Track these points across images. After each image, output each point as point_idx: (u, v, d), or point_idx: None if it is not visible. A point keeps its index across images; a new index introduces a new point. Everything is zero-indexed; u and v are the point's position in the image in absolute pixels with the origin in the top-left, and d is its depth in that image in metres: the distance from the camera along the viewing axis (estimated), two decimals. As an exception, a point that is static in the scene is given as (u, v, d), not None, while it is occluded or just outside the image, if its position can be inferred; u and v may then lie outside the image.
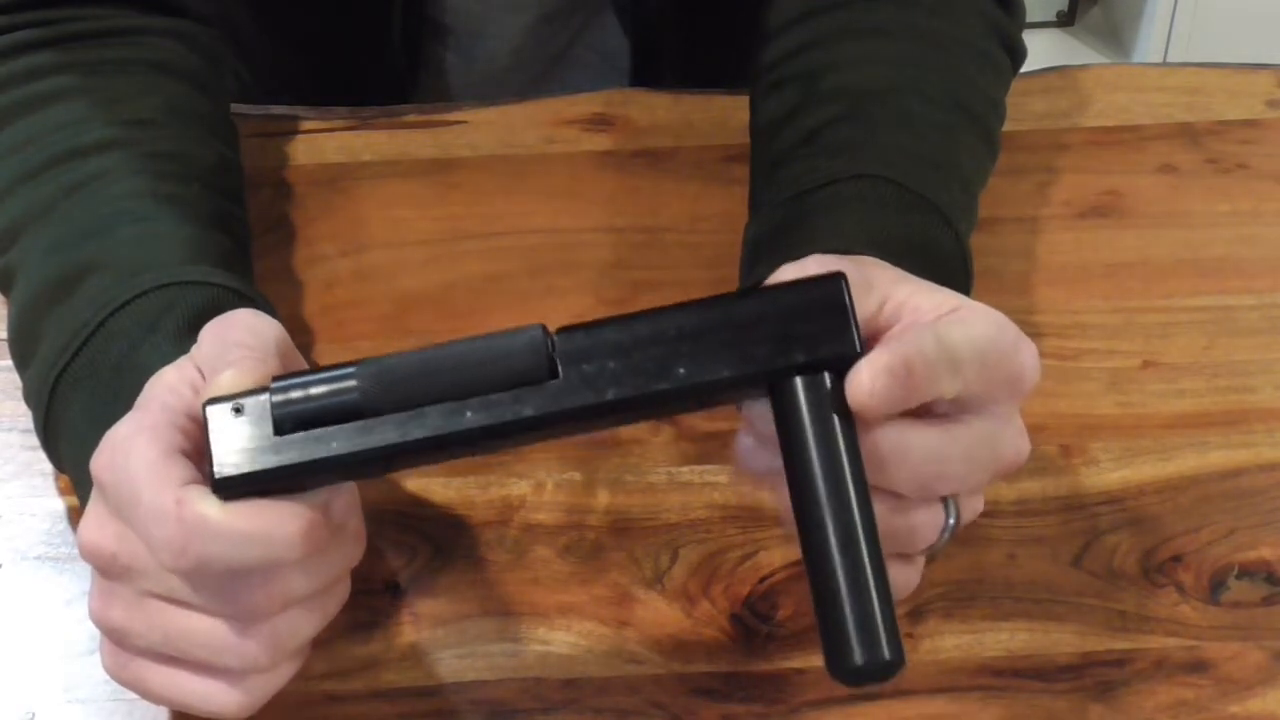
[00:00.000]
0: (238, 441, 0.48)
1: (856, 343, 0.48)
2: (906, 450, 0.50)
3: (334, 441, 0.48)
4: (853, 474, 0.48)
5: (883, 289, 0.52)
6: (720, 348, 0.48)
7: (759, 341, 0.48)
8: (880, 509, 0.50)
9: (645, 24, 0.89)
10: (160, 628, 0.51)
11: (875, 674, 0.47)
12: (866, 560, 0.47)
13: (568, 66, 0.93)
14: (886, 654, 0.47)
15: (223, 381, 0.50)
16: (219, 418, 0.49)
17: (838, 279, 0.49)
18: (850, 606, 0.47)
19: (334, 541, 0.51)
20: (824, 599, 0.47)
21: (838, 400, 0.48)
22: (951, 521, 0.52)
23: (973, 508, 0.54)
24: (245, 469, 0.48)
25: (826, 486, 0.47)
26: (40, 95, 0.67)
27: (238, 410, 0.49)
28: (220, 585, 0.50)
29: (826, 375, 0.48)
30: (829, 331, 0.48)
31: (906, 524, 0.51)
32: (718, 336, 0.48)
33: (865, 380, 0.48)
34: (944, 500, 0.52)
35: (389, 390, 0.48)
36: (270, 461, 0.48)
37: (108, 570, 0.51)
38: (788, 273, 0.50)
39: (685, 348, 0.48)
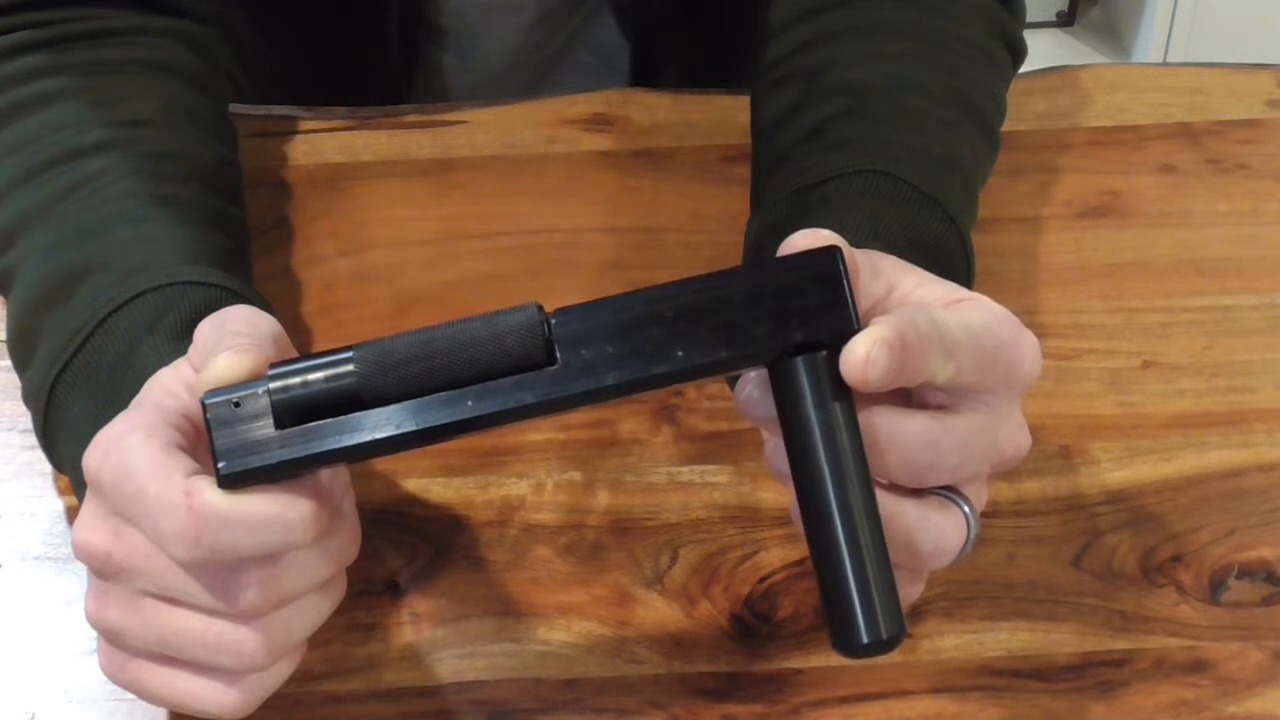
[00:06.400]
0: (239, 436, 0.48)
1: (854, 320, 0.48)
2: (900, 437, 0.50)
3: (336, 433, 0.48)
4: (853, 453, 0.48)
5: (890, 276, 0.52)
6: (718, 328, 0.48)
7: (756, 320, 0.48)
8: (907, 521, 0.50)
9: (644, 24, 0.89)
10: (156, 627, 0.50)
11: (879, 649, 0.47)
12: (869, 538, 0.47)
13: (566, 68, 0.93)
14: (888, 631, 0.47)
15: (218, 365, 0.49)
16: (218, 411, 0.48)
17: (833, 252, 0.48)
18: (854, 584, 0.47)
19: (334, 524, 0.51)
20: (828, 577, 0.48)
21: (838, 379, 0.48)
22: (972, 533, 0.52)
23: (978, 502, 0.54)
24: (250, 465, 0.48)
25: (829, 465, 0.47)
26: (38, 96, 0.67)
27: (237, 404, 0.48)
28: (220, 581, 0.49)
29: (825, 353, 0.48)
30: (826, 308, 0.48)
31: (933, 541, 0.51)
32: (715, 316, 0.48)
33: (860, 352, 0.48)
34: (962, 510, 0.52)
35: (388, 374, 0.48)
36: (274, 457, 0.48)
37: (103, 570, 0.51)
38: (799, 240, 0.50)
39: (683, 328, 0.48)
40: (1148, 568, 0.62)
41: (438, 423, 0.48)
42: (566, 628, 0.61)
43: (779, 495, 0.64)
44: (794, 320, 0.48)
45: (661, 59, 0.90)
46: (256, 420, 0.48)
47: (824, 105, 0.67)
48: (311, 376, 0.49)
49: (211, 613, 0.50)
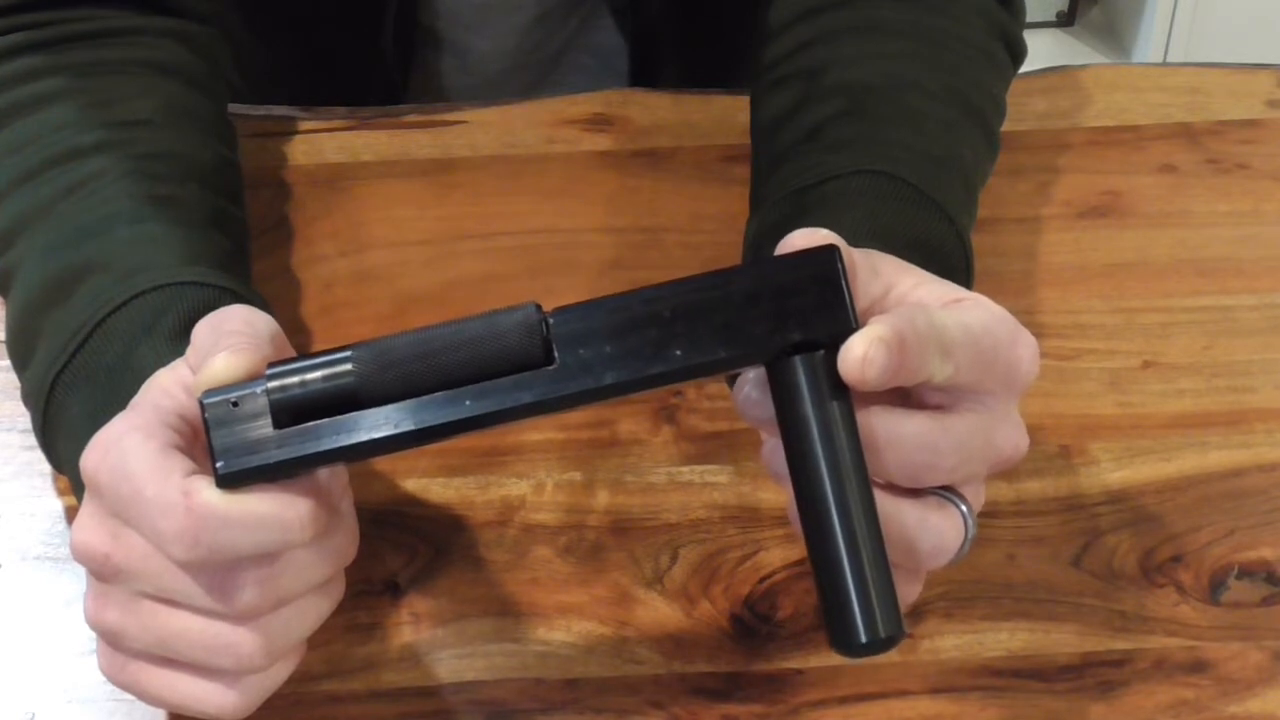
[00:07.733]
0: (237, 435, 0.48)
1: (852, 319, 0.48)
2: (899, 437, 0.49)
3: (334, 433, 0.48)
4: (851, 452, 0.48)
5: (888, 275, 0.52)
6: (716, 327, 0.48)
7: (755, 319, 0.48)
8: (905, 522, 0.50)
9: (643, 25, 0.89)
10: (155, 629, 0.50)
11: (877, 648, 0.47)
12: (867, 537, 0.47)
13: (564, 69, 0.93)
14: (886, 630, 0.47)
15: (215, 364, 0.49)
16: (216, 411, 0.48)
17: (831, 251, 0.48)
18: (852, 583, 0.47)
19: (333, 525, 0.51)
20: (825, 576, 0.48)
21: (836, 378, 0.48)
22: (969, 534, 0.52)
23: (976, 502, 0.54)
24: (248, 464, 0.48)
25: (827, 464, 0.47)
26: (38, 96, 0.67)
27: (235, 403, 0.48)
28: (218, 582, 0.49)
29: (823, 352, 0.48)
30: (824, 307, 0.48)
31: (931, 541, 0.51)
32: (713, 315, 0.48)
33: (858, 351, 0.47)
34: (960, 510, 0.52)
35: (386, 374, 0.48)
36: (272, 456, 0.48)
37: (101, 571, 0.50)
38: (797, 239, 0.50)
39: (680, 328, 0.48)
40: (1148, 568, 0.62)
41: (436, 422, 0.48)
42: (566, 628, 0.61)
43: (779, 495, 0.64)
44: (792, 319, 0.48)
45: (661, 60, 0.90)
46: (255, 420, 0.48)
47: (823, 105, 0.67)
48: (310, 376, 0.49)
49: (210, 614, 0.50)
